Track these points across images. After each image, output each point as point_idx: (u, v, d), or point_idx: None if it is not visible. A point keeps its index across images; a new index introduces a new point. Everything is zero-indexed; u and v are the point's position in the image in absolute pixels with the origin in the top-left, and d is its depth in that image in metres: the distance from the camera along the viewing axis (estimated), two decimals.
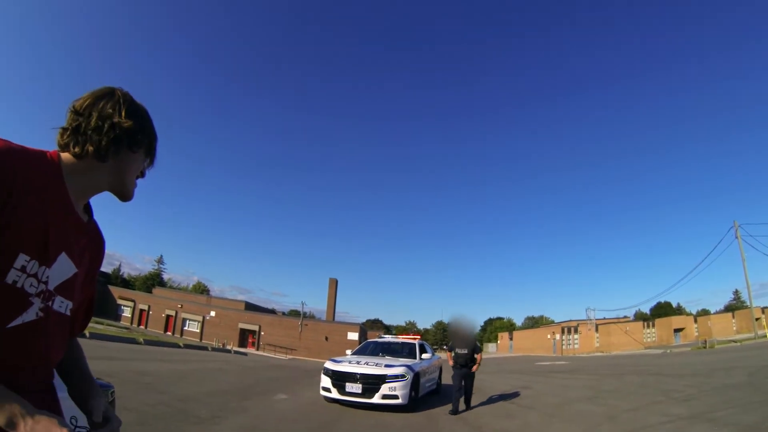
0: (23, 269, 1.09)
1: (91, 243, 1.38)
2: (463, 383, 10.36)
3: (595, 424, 8.30)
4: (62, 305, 1.23)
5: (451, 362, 10.83)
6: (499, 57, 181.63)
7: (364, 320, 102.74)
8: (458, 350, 10.63)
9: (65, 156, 1.26)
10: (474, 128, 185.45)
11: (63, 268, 1.21)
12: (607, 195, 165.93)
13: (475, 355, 10.68)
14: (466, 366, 10.50)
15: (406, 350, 12.74)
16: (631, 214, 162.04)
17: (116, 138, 1.28)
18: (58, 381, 1.36)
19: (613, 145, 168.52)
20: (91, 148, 1.25)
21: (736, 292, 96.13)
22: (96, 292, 1.53)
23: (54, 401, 1.29)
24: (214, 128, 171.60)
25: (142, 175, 1.47)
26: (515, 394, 13.05)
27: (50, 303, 1.19)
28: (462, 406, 10.33)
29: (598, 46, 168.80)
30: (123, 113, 1.31)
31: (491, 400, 11.95)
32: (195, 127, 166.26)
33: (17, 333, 1.10)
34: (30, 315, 1.13)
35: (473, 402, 11.06)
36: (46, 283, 1.16)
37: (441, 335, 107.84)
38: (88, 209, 1.38)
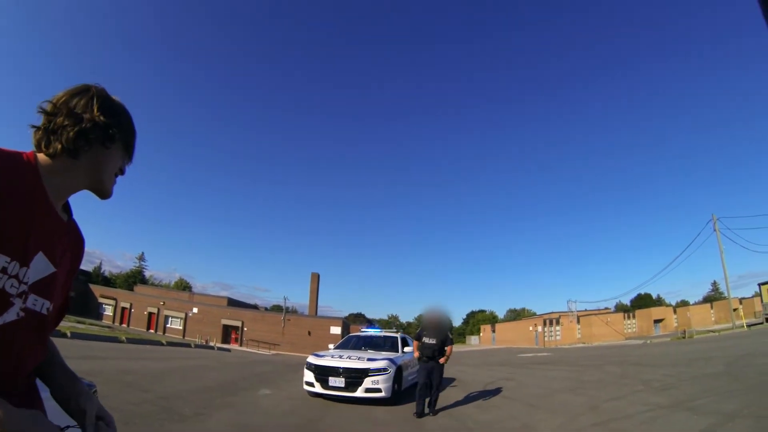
0: (4, 270, 1.09)
1: (71, 242, 1.37)
2: (429, 379, 9.29)
3: (577, 413, 8.43)
4: (37, 303, 1.21)
5: (417, 354, 9.75)
6: (484, 53, 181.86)
7: (346, 314, 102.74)
8: (426, 340, 9.45)
9: (41, 156, 1.25)
10: (456, 124, 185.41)
11: (39, 267, 1.20)
12: (588, 189, 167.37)
13: (445, 348, 9.49)
14: (433, 358, 9.34)
15: (388, 344, 12.79)
16: (611, 208, 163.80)
17: (83, 133, 1.27)
18: (40, 383, 1.35)
19: (593, 141, 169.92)
20: (59, 146, 1.24)
21: (714, 284, 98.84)
22: (71, 290, 1.50)
23: (38, 401, 1.29)
24: (194, 124, 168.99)
25: (122, 172, 1.45)
26: (498, 386, 13.17)
27: (25, 302, 1.18)
28: (427, 408, 9.21)
29: (575, 43, 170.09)
30: (95, 109, 1.30)
31: (474, 392, 12.04)
32: (175, 123, 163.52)
33: None
34: (11, 315, 1.12)
35: (455, 397, 11.15)
36: (27, 283, 1.16)
37: None
38: (67, 208, 1.37)
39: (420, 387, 9.20)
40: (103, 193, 1.40)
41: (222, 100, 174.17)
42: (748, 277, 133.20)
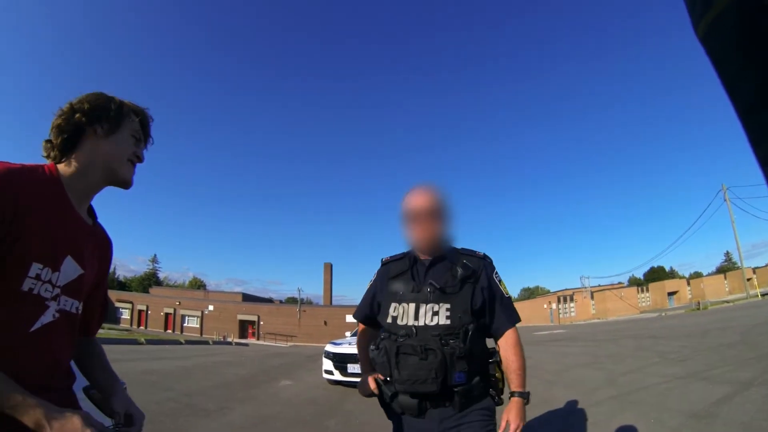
0: (38, 277, 1.19)
1: (98, 244, 1.46)
2: None
3: (594, 387, 8.48)
4: (68, 304, 1.30)
5: (372, 386, 2.74)
6: None
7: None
8: (406, 305, 2.59)
9: (61, 166, 1.34)
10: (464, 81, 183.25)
11: (68, 270, 1.28)
12: (598, 165, 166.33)
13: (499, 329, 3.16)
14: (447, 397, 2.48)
15: None
16: (621, 183, 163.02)
17: (62, 129, 1.33)
18: (78, 380, 1.46)
19: (600, 113, 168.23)
20: (57, 151, 1.33)
21: (727, 254, 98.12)
22: (107, 292, 1.62)
23: (73, 399, 1.38)
24: (197, 119, 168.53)
25: (139, 159, 1.47)
26: None
27: (59, 303, 1.27)
28: None
29: None
30: (72, 106, 1.36)
31: None
32: (177, 119, 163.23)
33: (38, 335, 1.20)
34: (48, 317, 1.23)
35: None
36: (59, 286, 1.25)
37: None
38: (91, 213, 1.45)
39: None
40: (121, 182, 1.43)
41: (217, 95, 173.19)
42: (762, 245, 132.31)
